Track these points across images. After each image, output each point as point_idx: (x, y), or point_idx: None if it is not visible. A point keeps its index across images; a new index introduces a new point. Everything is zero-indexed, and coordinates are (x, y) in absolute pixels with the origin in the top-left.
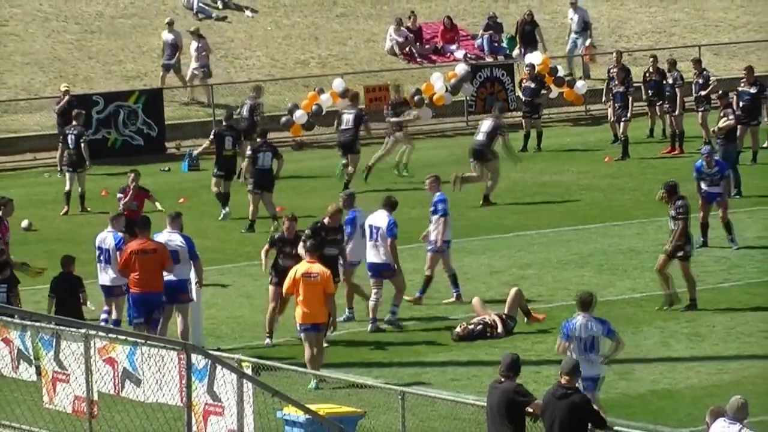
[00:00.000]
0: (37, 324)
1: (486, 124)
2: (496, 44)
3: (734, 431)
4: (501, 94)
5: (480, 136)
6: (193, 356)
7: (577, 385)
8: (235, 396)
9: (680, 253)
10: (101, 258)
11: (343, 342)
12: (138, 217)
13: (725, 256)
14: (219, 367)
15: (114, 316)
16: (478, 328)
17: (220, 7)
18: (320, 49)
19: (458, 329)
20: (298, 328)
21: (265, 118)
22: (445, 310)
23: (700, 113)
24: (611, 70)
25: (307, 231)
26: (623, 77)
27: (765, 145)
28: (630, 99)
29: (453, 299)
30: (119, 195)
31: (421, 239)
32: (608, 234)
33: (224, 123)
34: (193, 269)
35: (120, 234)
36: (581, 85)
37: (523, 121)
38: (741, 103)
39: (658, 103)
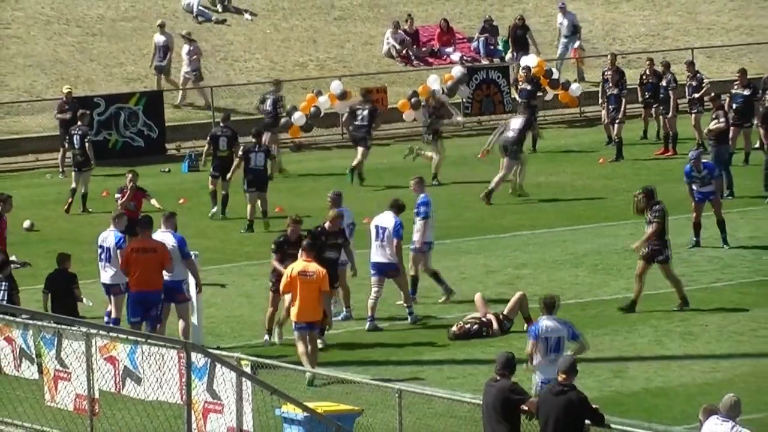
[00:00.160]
0: (39, 323)
1: (517, 122)
2: (491, 47)
3: (727, 429)
4: (497, 96)
5: (510, 133)
6: (193, 355)
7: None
8: (235, 394)
9: (660, 257)
10: (102, 256)
11: (340, 340)
12: (136, 217)
13: (718, 255)
14: (218, 366)
15: (113, 314)
16: (474, 327)
17: (220, 10)
18: (318, 52)
19: (454, 328)
20: (293, 326)
21: (286, 109)
22: (441, 309)
23: (693, 115)
24: (606, 73)
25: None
26: (617, 79)
27: (756, 146)
28: (623, 101)
29: (444, 297)
30: (117, 195)
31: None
32: (603, 234)
33: (220, 124)
34: (188, 269)
35: (121, 233)
36: (576, 88)
37: None
38: (734, 105)
39: (654, 105)
